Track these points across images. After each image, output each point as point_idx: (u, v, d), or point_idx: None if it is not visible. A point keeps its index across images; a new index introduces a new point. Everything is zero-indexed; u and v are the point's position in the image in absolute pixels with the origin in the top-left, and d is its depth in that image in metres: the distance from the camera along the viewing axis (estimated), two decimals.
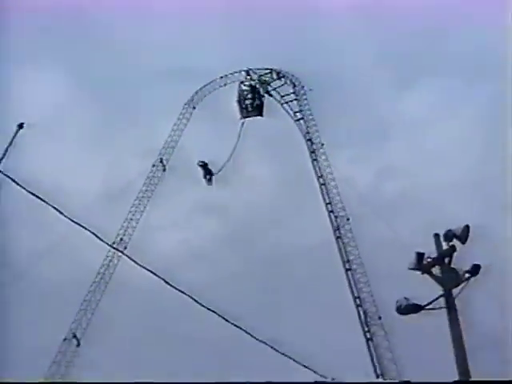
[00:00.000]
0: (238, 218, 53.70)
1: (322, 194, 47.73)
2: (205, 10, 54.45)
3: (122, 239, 46.58)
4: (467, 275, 19.67)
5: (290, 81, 50.76)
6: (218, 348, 43.61)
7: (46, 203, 13.54)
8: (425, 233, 21.89)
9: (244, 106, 50.88)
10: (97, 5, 53.36)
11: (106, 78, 55.29)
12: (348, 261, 45.03)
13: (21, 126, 49.44)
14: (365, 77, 55.10)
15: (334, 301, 44.84)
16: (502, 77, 45.28)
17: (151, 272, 16.25)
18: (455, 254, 20.14)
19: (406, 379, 39.82)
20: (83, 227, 14.81)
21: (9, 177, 13.65)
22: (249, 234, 53.26)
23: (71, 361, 44.32)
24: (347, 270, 44.84)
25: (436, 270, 20.26)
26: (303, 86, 50.35)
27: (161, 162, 50.11)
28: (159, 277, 16.47)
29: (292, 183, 52.64)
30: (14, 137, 48.60)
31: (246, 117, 50.84)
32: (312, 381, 18.59)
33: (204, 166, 49.63)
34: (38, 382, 39.49)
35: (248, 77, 51.18)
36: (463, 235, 20.03)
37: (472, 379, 18.58)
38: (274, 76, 50.93)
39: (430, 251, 20.47)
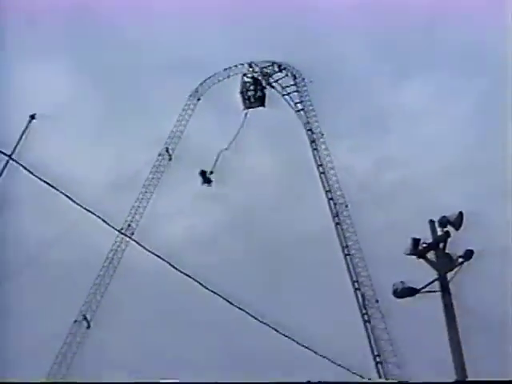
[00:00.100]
0: (241, 206, 53.87)
1: (322, 182, 48.52)
2: (208, 3, 54.68)
3: (129, 225, 47.48)
4: (461, 260, 19.94)
5: (291, 73, 51.38)
6: (223, 330, 44.50)
7: (58, 190, 13.84)
8: (420, 219, 22.09)
9: (247, 97, 51.49)
10: None
11: (113, 72, 55.45)
12: (347, 246, 45.87)
13: (33, 116, 50.48)
14: (364, 69, 55.26)
15: (334, 284, 45.65)
16: (498, 69, 46.05)
17: (158, 256, 16.23)
18: (449, 239, 20.37)
19: (403, 378, 41.15)
20: (93, 213, 14.69)
21: (21, 165, 14.21)
22: (251, 221, 53.90)
23: (81, 342, 45.53)
24: (346, 254, 45.68)
25: (431, 255, 20.58)
26: (304, 78, 51.01)
27: (167, 151, 50.86)
28: (165, 261, 16.45)
29: (293, 172, 53.07)
30: (26, 127, 49.72)
31: (249, 107, 51.49)
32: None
33: (203, 174, 50.37)
34: (37, 381, 40.27)
35: (250, 69, 51.81)
36: (457, 221, 20.27)
37: (473, 379, 18.93)
38: (276, 68, 51.58)
39: (426, 237, 20.76)
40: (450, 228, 20.56)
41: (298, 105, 51.06)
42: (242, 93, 51.85)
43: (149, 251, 16.53)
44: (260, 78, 51.75)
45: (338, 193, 47.97)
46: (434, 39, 53.71)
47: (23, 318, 45.39)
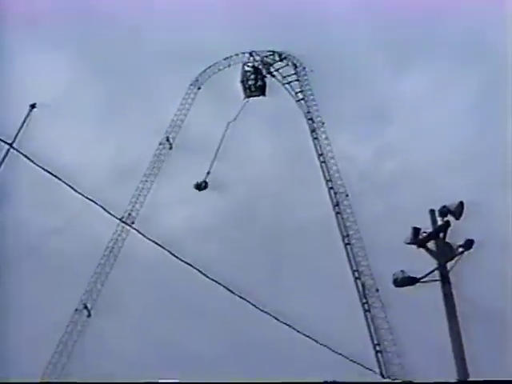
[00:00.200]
0: (241, 195, 53.93)
1: (323, 172, 48.67)
2: None
3: (130, 214, 47.55)
4: (461, 249, 19.84)
5: (292, 62, 51.43)
6: (223, 319, 44.57)
7: (58, 179, 13.74)
8: (421, 209, 22.03)
9: (247, 86, 51.57)
10: None
11: (114, 61, 55.31)
12: (347, 235, 46.06)
13: (33, 106, 50.59)
14: (364, 59, 55.11)
15: (334, 274, 45.83)
16: (499, 58, 46.05)
17: (158, 245, 16.12)
18: (450, 229, 20.26)
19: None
20: (94, 202, 14.60)
21: (22, 153, 14.13)
22: (252, 210, 53.94)
23: (82, 330, 45.76)
24: (346, 244, 45.87)
25: (431, 245, 20.49)
26: (304, 67, 51.03)
27: (167, 140, 50.93)
28: (166, 249, 16.35)
29: (293, 161, 52.98)
30: (26, 116, 49.80)
31: (249, 96, 51.56)
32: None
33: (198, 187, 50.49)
34: (38, 382, 40.90)
35: (251, 58, 51.90)
36: (457, 211, 20.18)
37: (473, 379, 18.80)
38: (276, 57, 51.66)
39: (426, 226, 20.66)
40: (450, 218, 20.43)
41: (299, 94, 51.08)
42: (242, 82, 51.92)
43: (149, 239, 16.42)
44: (261, 67, 51.83)
45: (339, 182, 48.14)
46: (434, 28, 53.63)
47: (24, 308, 45.55)
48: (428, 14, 52.83)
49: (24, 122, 49.03)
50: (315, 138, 49.68)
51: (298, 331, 19.01)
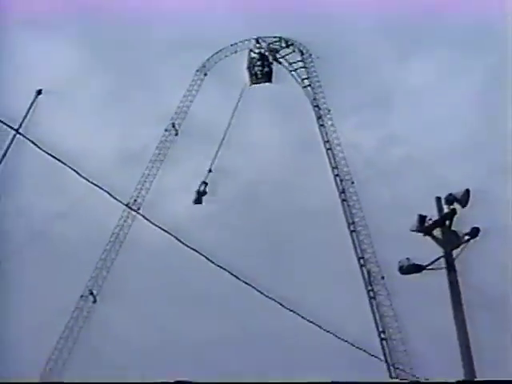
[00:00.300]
0: (246, 181, 53.98)
1: (329, 159, 48.66)
2: None
3: (135, 200, 47.67)
4: (467, 237, 19.78)
5: (298, 49, 51.30)
6: (229, 305, 44.82)
7: (64, 164, 13.74)
8: (427, 196, 22.01)
9: (254, 72, 51.54)
10: None
11: (120, 47, 55.35)
12: (353, 223, 46.12)
13: (39, 92, 50.64)
14: (370, 46, 55.07)
15: (339, 261, 45.76)
16: (504, 47, 45.86)
17: (164, 230, 15.71)
18: (456, 216, 20.19)
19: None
20: (99, 187, 14.65)
21: (28, 139, 14.02)
22: (257, 197, 53.94)
23: (88, 316, 45.93)
24: (352, 231, 45.95)
25: (437, 232, 20.42)
26: (311, 54, 50.92)
27: (173, 126, 50.81)
28: (172, 235, 15.96)
29: (299, 148, 53.06)
30: (32, 102, 49.87)
31: (256, 83, 51.50)
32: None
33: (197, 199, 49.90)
34: (37, 382, 41.19)
35: (257, 45, 51.77)
36: (463, 199, 20.13)
37: (474, 379, 18.70)
38: (283, 44, 51.47)
39: (432, 214, 20.58)
40: (456, 205, 20.35)
41: (305, 81, 51.01)
42: (248, 68, 51.87)
43: (155, 225, 16.27)
44: (267, 53, 51.76)
45: (345, 169, 48.18)
46: (440, 16, 53.38)
47: (31, 293, 45.71)
48: (434, 2, 52.64)
49: (30, 107, 49.18)
50: (321, 125, 49.65)
51: (303, 317, 18.96)
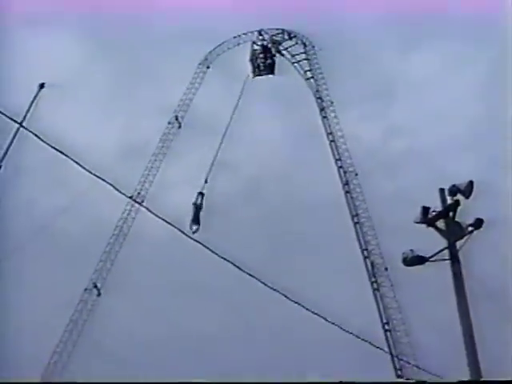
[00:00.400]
0: (250, 173, 54.02)
1: (332, 150, 48.51)
2: None
3: (139, 193, 47.55)
4: (470, 229, 19.96)
5: (301, 41, 51.17)
6: (233, 297, 44.78)
7: (67, 157, 13.84)
8: (430, 188, 22.30)
9: (256, 64, 51.37)
10: None
11: (123, 40, 55.29)
12: (356, 214, 46.03)
13: (42, 85, 50.66)
14: (372, 38, 54.95)
15: (343, 253, 45.82)
16: (509, 39, 45.77)
17: (168, 223, 15.55)
18: (459, 208, 20.31)
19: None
20: (103, 180, 14.71)
21: (32, 132, 14.05)
22: (260, 189, 54.11)
23: (92, 309, 45.86)
24: (355, 223, 45.88)
25: (440, 224, 20.53)
26: (314, 46, 50.80)
27: (176, 119, 50.67)
28: (176, 227, 16.00)
29: (302, 140, 52.92)
30: (35, 96, 49.91)
31: (258, 75, 51.35)
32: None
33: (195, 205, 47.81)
34: (37, 382, 40.67)
35: (260, 37, 51.60)
36: (467, 190, 20.25)
37: (475, 379, 18.67)
38: (286, 36, 51.36)
39: (435, 206, 20.69)
40: (459, 197, 20.49)
41: (308, 73, 50.82)
42: (251, 60, 51.72)
43: (159, 217, 16.28)
44: (270, 45, 51.58)
45: (348, 161, 48.04)
46: (444, 7, 53.21)
47: (35, 287, 45.81)
48: None
49: (33, 101, 49.22)
50: (324, 117, 49.53)
51: (307, 309, 19.00)
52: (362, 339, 20.62)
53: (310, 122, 50.81)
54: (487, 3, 47.90)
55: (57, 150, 13.30)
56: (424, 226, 20.65)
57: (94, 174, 14.01)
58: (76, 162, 13.67)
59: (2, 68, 47.85)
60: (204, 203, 47.87)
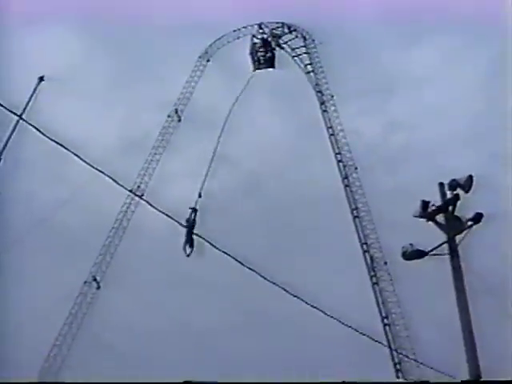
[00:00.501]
0: (248, 167, 53.94)
1: (332, 144, 48.52)
2: None
3: (139, 187, 47.61)
4: (470, 223, 20.09)
5: (301, 34, 51.17)
6: (233, 291, 44.63)
7: (67, 150, 13.84)
8: (430, 182, 22.41)
9: (256, 58, 51.31)
10: None
11: (123, 33, 55.10)
12: (356, 208, 46.11)
13: (41, 78, 50.64)
14: (373, 32, 54.89)
15: (342, 247, 45.85)
16: (503, 35, 45.78)
17: (169, 216, 15.63)
18: (459, 202, 20.43)
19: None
20: (103, 173, 14.65)
21: (31, 124, 14.03)
22: (260, 183, 53.94)
23: (91, 302, 45.94)
24: (355, 217, 45.94)
25: (440, 218, 20.64)
26: (314, 40, 50.84)
27: (176, 112, 50.70)
28: (176, 221, 16.27)
29: (302, 134, 52.98)
30: (35, 89, 49.90)
31: (258, 69, 51.23)
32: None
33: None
34: (37, 382, 40.92)
35: (260, 30, 51.58)
36: (467, 184, 20.39)
37: (477, 379, 18.76)
38: (286, 30, 51.32)
39: (435, 200, 20.80)
40: (459, 191, 20.60)
41: (308, 66, 50.85)
42: (251, 54, 51.69)
43: (159, 211, 16.30)
44: (270, 39, 51.53)
45: (348, 155, 48.08)
46: (444, 2, 53.18)
47: (34, 280, 45.85)
48: None
49: (32, 94, 49.20)
50: (324, 111, 49.54)
51: (306, 303, 19.05)
52: (361, 333, 20.67)
53: (310, 116, 50.81)
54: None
55: (56, 142, 13.29)
56: (423, 220, 20.71)
57: (94, 167, 14.01)
58: (76, 155, 13.67)
59: (1, 61, 47.85)
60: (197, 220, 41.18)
